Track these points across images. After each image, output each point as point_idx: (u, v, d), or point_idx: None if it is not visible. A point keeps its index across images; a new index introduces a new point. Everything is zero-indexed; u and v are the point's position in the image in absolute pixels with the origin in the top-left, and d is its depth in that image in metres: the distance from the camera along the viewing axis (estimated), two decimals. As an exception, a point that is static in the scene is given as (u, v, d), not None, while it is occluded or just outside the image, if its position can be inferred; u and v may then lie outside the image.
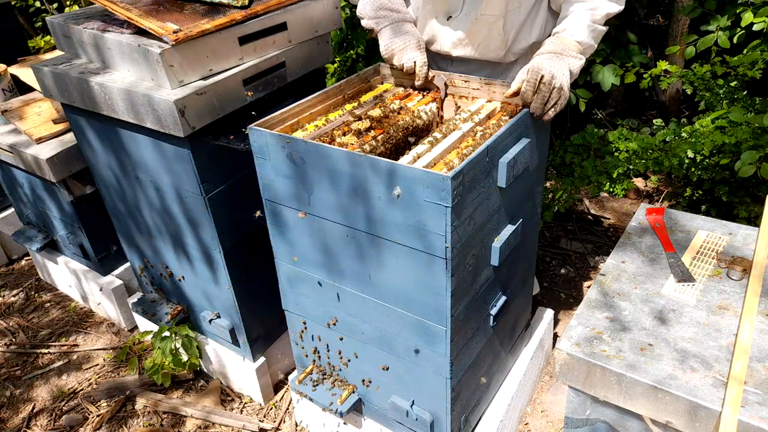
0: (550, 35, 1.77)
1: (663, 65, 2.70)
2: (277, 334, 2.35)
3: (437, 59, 2.06)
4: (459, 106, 1.87)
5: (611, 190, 2.71)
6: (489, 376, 1.91)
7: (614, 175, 2.66)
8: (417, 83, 1.83)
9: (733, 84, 2.61)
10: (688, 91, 2.69)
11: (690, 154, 2.49)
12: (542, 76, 1.55)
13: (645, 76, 2.75)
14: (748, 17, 2.42)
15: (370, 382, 1.83)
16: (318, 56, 2.08)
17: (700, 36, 2.76)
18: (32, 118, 2.62)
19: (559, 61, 1.60)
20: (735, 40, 2.53)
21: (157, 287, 2.43)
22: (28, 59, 3.03)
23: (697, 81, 2.67)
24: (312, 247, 1.65)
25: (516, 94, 1.63)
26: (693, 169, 2.59)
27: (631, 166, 2.64)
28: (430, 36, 1.96)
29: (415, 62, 1.80)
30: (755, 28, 2.42)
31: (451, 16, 1.89)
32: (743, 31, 2.50)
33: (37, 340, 2.83)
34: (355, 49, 3.42)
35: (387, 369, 1.75)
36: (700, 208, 2.86)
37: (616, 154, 2.72)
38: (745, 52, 2.52)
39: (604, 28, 1.73)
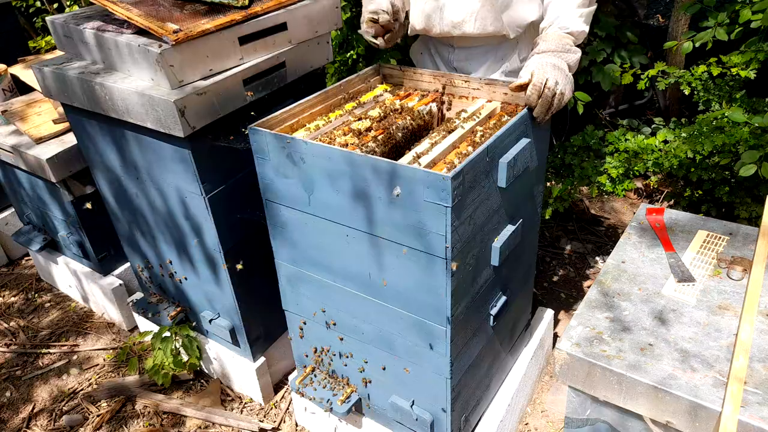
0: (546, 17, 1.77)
1: (660, 66, 2.70)
2: (277, 334, 2.35)
3: (439, 48, 2.07)
4: (448, 101, 1.89)
5: (611, 189, 2.71)
6: (489, 376, 1.91)
7: (614, 176, 2.66)
8: (382, 20, 1.83)
9: (731, 84, 2.61)
10: (686, 92, 2.69)
11: (690, 154, 2.49)
12: (547, 80, 1.56)
13: (642, 77, 2.75)
14: (745, 14, 2.42)
15: (370, 382, 1.83)
16: (318, 56, 2.08)
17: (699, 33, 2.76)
18: (32, 119, 2.62)
19: (559, 61, 1.61)
20: (732, 36, 2.53)
21: (158, 287, 2.43)
22: (28, 59, 3.03)
23: (695, 82, 2.67)
24: (312, 247, 1.65)
25: (520, 88, 1.62)
26: (693, 169, 2.59)
27: (630, 166, 2.64)
28: (427, 22, 1.96)
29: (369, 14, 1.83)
30: (753, 25, 2.42)
31: None
32: (741, 28, 2.50)
33: (37, 341, 2.83)
34: (355, 49, 3.42)
35: (387, 369, 1.75)
36: (700, 208, 2.86)
37: (615, 155, 2.72)
38: (742, 48, 2.52)
39: (593, 8, 1.73)
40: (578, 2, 1.70)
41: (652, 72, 2.70)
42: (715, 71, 2.55)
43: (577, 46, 1.70)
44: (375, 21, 1.84)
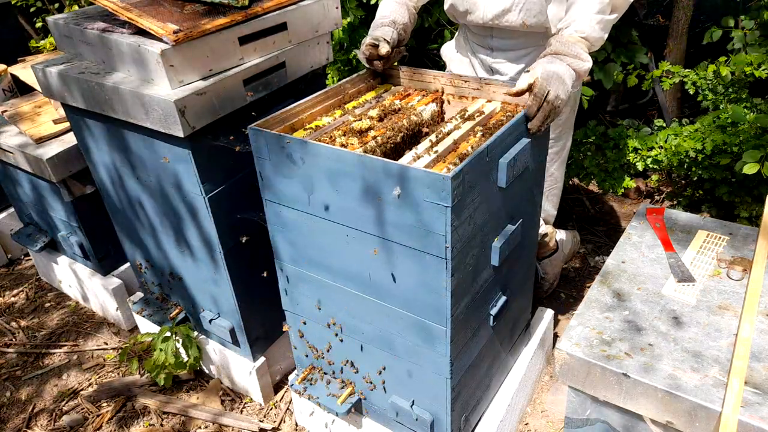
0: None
1: (665, 66, 2.69)
2: (277, 334, 2.34)
3: (476, 49, 2.07)
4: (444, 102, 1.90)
5: (610, 186, 2.72)
6: (489, 376, 1.91)
7: (610, 169, 2.67)
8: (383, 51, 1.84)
9: (736, 84, 2.61)
10: (690, 92, 2.69)
11: (692, 154, 2.49)
12: (548, 92, 1.53)
13: (647, 77, 2.75)
14: (766, 15, 2.42)
15: (370, 381, 1.83)
16: (318, 56, 2.08)
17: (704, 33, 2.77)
18: (32, 119, 2.62)
19: (565, 71, 1.58)
20: (749, 40, 2.53)
21: (158, 287, 2.43)
22: (28, 59, 3.03)
23: (699, 81, 2.66)
24: (312, 247, 1.66)
25: (518, 94, 1.61)
26: (694, 168, 2.59)
27: (630, 160, 2.65)
28: (470, 5, 1.94)
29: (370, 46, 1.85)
30: None
31: None
32: (758, 30, 2.50)
33: (38, 341, 2.83)
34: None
35: (387, 369, 1.75)
36: (700, 208, 2.86)
37: (615, 150, 2.72)
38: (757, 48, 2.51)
39: (614, 17, 1.70)
40: (598, 8, 1.66)
41: (656, 72, 2.69)
42: (724, 71, 2.54)
43: (591, 53, 1.66)
44: (375, 46, 1.84)
